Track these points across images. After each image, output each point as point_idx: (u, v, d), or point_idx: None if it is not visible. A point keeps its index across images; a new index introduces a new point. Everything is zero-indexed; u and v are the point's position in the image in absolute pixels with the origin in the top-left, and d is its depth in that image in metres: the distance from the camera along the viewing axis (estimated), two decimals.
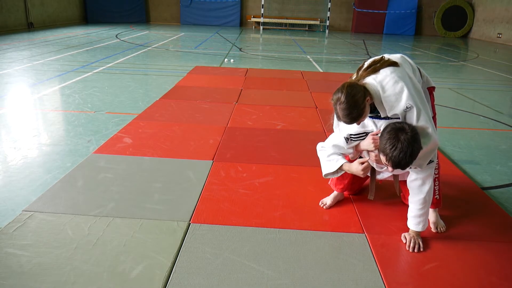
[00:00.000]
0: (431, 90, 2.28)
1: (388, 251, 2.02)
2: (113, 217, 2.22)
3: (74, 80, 5.81)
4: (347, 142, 2.09)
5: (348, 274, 1.84)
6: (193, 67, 7.27)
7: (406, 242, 2.07)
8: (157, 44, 10.75)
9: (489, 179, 3.02)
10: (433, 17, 18.33)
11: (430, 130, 1.93)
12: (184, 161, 3.03)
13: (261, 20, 18.32)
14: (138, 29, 15.42)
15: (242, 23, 19.46)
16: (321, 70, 7.71)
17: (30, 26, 13.88)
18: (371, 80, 1.96)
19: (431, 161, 2.03)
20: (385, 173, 2.26)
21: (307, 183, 2.73)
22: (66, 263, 1.82)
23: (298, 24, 19.23)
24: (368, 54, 10.61)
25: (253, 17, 19.06)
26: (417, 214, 2.06)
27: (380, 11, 18.12)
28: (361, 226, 2.23)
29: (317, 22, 19.03)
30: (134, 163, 2.95)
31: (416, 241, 2.05)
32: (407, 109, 1.90)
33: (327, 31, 18.20)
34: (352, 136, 2.08)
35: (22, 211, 2.24)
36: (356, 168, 2.12)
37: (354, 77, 2.08)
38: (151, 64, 7.71)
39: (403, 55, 2.14)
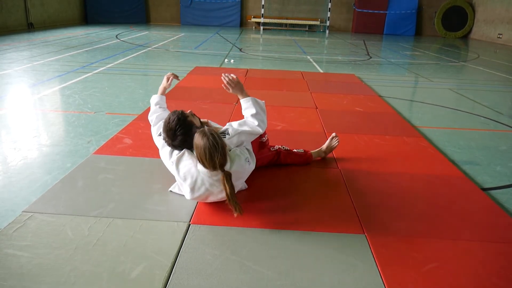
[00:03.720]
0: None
1: (388, 251, 2.02)
2: (113, 217, 2.22)
3: (74, 81, 5.81)
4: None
5: (348, 274, 1.84)
6: (193, 67, 7.27)
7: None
8: (157, 45, 10.76)
9: (489, 179, 3.02)
10: (434, 18, 18.34)
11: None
12: None
13: (261, 20, 18.32)
14: (138, 29, 15.43)
15: (242, 24, 19.47)
16: (321, 71, 7.71)
17: (30, 27, 13.89)
18: None
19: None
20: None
21: (307, 183, 2.73)
22: (66, 264, 1.82)
23: (298, 24, 19.24)
24: (368, 54, 10.61)
25: (253, 17, 19.07)
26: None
27: (380, 11, 18.13)
28: (361, 226, 2.23)
29: (317, 23, 19.04)
30: (134, 164, 2.95)
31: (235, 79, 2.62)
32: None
33: (327, 31, 18.20)
34: None
35: (22, 212, 2.24)
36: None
37: None
38: (151, 64, 7.72)
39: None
